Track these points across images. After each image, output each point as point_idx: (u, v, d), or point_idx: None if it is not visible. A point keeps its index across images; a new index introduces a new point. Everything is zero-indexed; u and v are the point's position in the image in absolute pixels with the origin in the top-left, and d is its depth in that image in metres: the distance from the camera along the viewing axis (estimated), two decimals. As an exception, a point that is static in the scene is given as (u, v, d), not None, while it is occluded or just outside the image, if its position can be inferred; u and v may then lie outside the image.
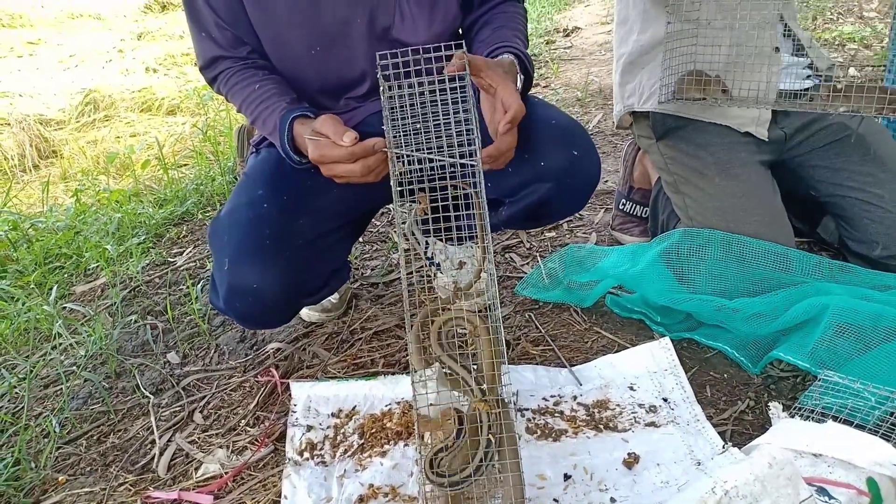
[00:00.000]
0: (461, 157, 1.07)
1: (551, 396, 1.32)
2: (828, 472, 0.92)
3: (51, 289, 2.14)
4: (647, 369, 1.35)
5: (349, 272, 1.53)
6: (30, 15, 9.74)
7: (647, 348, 1.38)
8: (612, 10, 6.84)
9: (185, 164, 3.76)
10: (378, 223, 2.21)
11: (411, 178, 1.12)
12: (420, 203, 1.11)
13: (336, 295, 1.66)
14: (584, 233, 1.96)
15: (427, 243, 1.74)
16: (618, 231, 1.92)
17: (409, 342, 1.10)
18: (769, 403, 1.18)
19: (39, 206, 3.29)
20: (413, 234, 1.83)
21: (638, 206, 1.87)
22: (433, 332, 1.11)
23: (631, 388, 1.31)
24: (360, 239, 2.09)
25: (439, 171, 1.12)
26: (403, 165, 1.10)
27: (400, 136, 1.10)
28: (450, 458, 0.94)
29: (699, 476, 1.05)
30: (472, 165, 1.07)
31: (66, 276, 2.34)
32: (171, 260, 2.26)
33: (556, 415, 1.27)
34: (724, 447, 1.11)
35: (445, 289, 1.62)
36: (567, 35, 5.46)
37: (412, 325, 1.11)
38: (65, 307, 1.97)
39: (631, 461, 1.13)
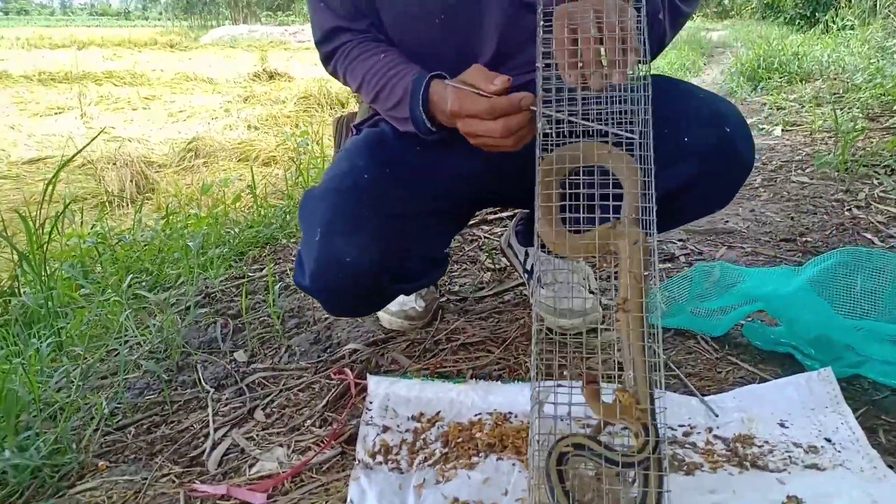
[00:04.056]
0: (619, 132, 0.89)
1: (679, 426, 1.07)
2: None
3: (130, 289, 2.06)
4: (802, 405, 1.09)
5: (447, 267, 1.36)
6: (149, 76, 10.49)
7: (803, 380, 1.12)
8: (713, 90, 6.69)
9: (276, 206, 3.75)
10: (466, 247, 2.04)
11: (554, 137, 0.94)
12: None
13: (422, 302, 1.49)
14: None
15: (527, 253, 1.56)
16: None
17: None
18: None
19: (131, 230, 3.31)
20: (510, 247, 1.65)
21: None
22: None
23: (782, 425, 1.06)
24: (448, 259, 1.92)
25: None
26: (550, 125, 0.93)
27: (553, 94, 0.93)
28: None
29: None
30: (629, 138, 0.89)
31: (146, 287, 2.27)
32: (251, 274, 2.15)
33: (687, 446, 1.03)
34: (928, 495, 0.84)
35: (545, 304, 1.41)
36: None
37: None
38: (137, 297, 1.87)
39: (793, 505, 0.88)
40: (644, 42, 0.89)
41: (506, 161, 1.16)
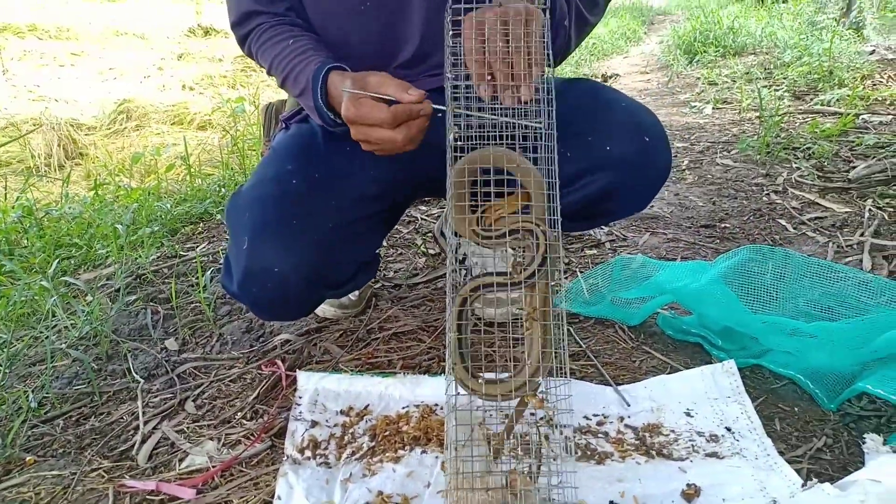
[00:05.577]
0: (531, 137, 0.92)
1: (594, 415, 1.14)
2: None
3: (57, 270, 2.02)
4: (706, 395, 1.17)
5: (378, 267, 1.37)
6: (76, 29, 9.95)
7: (709, 371, 1.20)
8: (651, 62, 6.81)
9: (212, 174, 3.67)
10: (403, 229, 2.07)
11: (466, 144, 0.97)
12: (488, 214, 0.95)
13: (355, 291, 1.51)
14: (628, 254, 1.79)
15: (459, 243, 1.59)
16: None
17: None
18: (864, 435, 1.00)
19: (58, 202, 3.20)
20: (443, 235, 1.68)
21: None
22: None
23: (687, 414, 1.14)
24: (385, 243, 1.95)
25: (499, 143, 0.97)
26: (459, 129, 0.96)
27: (461, 95, 0.95)
28: None
29: (781, 513, 0.87)
30: (537, 128, 0.92)
31: (74, 264, 2.21)
32: (183, 254, 2.12)
33: (600, 435, 1.09)
34: (807, 483, 0.93)
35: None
36: (606, 81, 5.40)
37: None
38: (66, 284, 1.83)
39: (691, 493, 0.95)
40: (549, 53, 0.92)
41: (434, 155, 1.19)
